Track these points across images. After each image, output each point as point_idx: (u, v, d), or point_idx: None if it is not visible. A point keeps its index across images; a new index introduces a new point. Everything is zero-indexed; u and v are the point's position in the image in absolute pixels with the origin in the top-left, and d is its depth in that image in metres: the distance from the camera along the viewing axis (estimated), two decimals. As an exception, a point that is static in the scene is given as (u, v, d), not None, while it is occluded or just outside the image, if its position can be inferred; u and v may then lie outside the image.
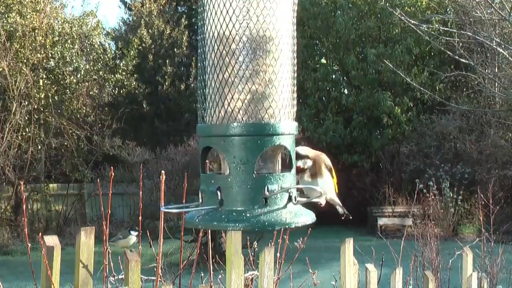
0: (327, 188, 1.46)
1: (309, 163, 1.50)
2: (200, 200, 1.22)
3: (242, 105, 1.18)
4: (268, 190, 1.16)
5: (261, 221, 1.15)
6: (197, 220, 1.19)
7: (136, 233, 2.47)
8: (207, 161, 1.35)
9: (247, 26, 1.18)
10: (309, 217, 1.21)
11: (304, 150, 1.53)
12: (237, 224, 1.15)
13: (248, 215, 1.15)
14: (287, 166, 1.24)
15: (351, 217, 1.58)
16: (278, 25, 1.20)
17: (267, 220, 1.15)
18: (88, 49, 14.72)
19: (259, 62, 1.18)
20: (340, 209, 1.59)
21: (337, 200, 1.53)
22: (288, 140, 1.21)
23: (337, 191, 1.53)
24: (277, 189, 1.18)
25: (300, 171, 1.42)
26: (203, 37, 1.24)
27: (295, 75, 1.26)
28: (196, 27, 13.23)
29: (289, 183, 1.20)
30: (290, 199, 1.20)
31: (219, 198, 1.17)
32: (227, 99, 1.18)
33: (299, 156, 1.49)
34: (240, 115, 1.18)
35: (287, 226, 1.17)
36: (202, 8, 1.24)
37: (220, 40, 1.19)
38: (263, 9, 1.18)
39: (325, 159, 1.54)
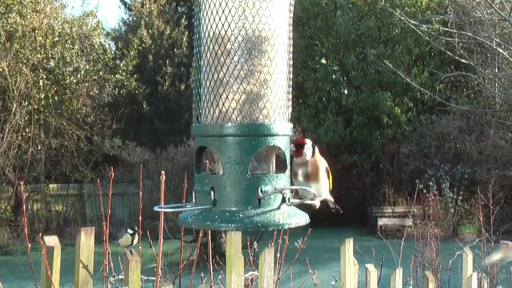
0: (322, 191, 1.45)
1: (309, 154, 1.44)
2: (194, 200, 1.21)
3: (237, 105, 1.17)
4: (261, 191, 1.16)
5: (254, 222, 1.14)
6: (190, 220, 1.18)
7: (133, 231, 2.47)
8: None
9: (243, 26, 1.17)
10: (302, 219, 1.20)
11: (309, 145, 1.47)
12: (230, 225, 1.14)
13: (241, 215, 1.14)
14: (281, 167, 1.23)
15: (341, 211, 1.58)
16: (274, 26, 1.20)
17: (260, 221, 1.14)
18: (88, 50, 14.70)
19: (254, 62, 1.18)
20: (331, 204, 1.58)
21: (330, 197, 1.52)
22: (283, 141, 1.21)
23: (331, 188, 1.52)
24: (271, 190, 1.17)
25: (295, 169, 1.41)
26: (198, 36, 1.24)
27: (291, 76, 1.25)
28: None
29: (283, 184, 1.19)
30: (283, 200, 1.19)
31: (213, 198, 1.16)
32: (222, 99, 1.18)
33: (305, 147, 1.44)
34: (234, 115, 1.17)
35: (280, 227, 1.16)
36: (198, 8, 1.24)
37: (216, 40, 1.19)
38: (259, 9, 1.18)
39: (323, 162, 1.51)
